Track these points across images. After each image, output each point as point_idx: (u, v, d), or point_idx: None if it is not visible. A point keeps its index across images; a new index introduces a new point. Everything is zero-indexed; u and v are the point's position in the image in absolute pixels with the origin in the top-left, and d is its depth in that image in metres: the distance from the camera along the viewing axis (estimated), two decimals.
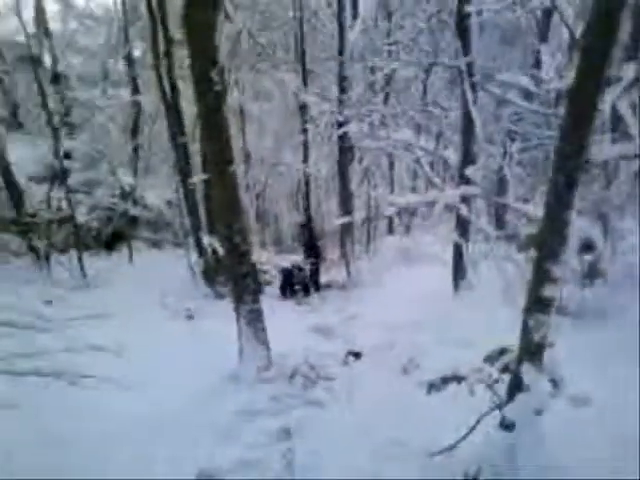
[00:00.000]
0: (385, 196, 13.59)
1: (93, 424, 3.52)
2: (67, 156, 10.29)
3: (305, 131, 10.29)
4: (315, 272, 9.03)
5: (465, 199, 5.00)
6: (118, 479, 3.03)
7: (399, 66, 9.38)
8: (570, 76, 2.54)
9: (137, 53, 11.94)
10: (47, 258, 8.54)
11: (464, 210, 5.50)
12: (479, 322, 4.54)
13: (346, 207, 9.51)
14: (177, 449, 3.36)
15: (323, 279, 9.24)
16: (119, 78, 12.32)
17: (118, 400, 3.68)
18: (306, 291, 8.70)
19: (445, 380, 3.09)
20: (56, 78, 10.97)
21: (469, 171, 5.15)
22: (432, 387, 3.09)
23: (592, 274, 4.85)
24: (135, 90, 11.33)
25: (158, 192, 11.49)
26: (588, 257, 4.75)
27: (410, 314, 5.67)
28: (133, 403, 3.82)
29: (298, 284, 8.71)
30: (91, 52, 12.75)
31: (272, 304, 6.91)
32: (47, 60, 11.16)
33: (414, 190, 14.46)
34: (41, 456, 3.16)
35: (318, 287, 9.01)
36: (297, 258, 8.90)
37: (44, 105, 8.83)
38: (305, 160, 10.70)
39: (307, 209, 11.00)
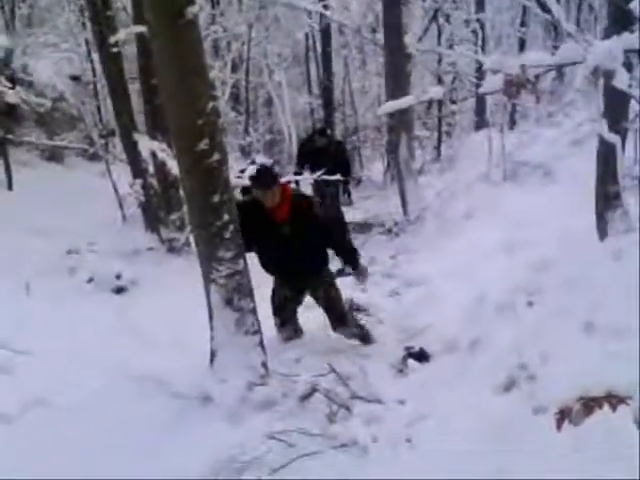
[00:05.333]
0: (470, 57, 13.25)
1: None
2: None
3: None
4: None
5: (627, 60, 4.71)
6: None
7: None
8: None
9: None
10: None
11: (621, 78, 5.14)
12: None
13: (397, 78, 9.28)
14: None
15: (358, 214, 9.21)
16: None
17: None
18: None
19: (588, 404, 2.98)
20: None
21: None
22: (564, 417, 2.99)
23: None
24: None
25: (54, 60, 11.27)
26: None
27: (515, 280, 5.54)
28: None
29: None
30: None
31: None
32: None
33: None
34: None
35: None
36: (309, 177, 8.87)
37: None
38: None
39: (326, 84, 10.74)
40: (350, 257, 5.73)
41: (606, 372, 2.90)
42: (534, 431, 3.26)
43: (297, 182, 8.35)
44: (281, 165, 13.33)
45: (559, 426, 2.90)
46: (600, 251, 5.66)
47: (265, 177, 5.35)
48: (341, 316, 5.77)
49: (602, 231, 6.02)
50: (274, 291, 5.77)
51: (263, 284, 5.43)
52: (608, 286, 4.87)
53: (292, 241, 5.37)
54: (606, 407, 2.93)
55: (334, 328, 5.77)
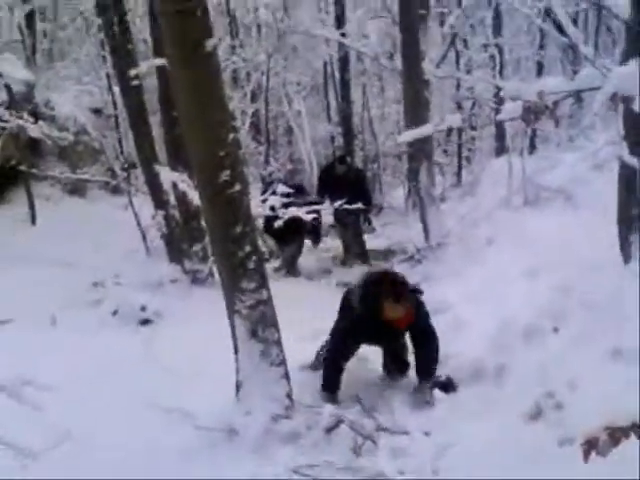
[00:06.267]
0: (488, 82, 13.26)
1: None
2: None
3: None
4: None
5: None
6: None
7: None
8: None
9: None
10: None
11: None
12: None
13: (416, 105, 9.29)
14: None
15: (379, 241, 9.21)
16: None
17: None
18: (343, 264, 8.83)
19: (614, 434, 2.94)
20: None
21: None
22: (590, 447, 2.95)
23: None
24: None
25: (75, 93, 11.36)
26: None
27: (539, 305, 5.50)
28: None
29: None
30: None
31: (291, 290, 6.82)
32: None
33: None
34: None
35: (366, 258, 9.51)
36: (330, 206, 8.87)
37: None
38: (340, 24, 10.51)
39: (345, 111, 10.78)
40: (432, 377, 5.21)
41: (632, 400, 2.88)
42: (561, 461, 3.23)
43: (318, 211, 8.36)
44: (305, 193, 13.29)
45: (586, 457, 2.87)
46: (624, 275, 5.62)
47: (404, 289, 5.07)
48: (403, 364, 5.55)
49: (626, 255, 5.98)
50: (340, 344, 5.26)
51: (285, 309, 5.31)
52: (634, 310, 4.84)
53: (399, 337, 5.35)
54: (633, 437, 2.90)
55: (390, 372, 5.56)
